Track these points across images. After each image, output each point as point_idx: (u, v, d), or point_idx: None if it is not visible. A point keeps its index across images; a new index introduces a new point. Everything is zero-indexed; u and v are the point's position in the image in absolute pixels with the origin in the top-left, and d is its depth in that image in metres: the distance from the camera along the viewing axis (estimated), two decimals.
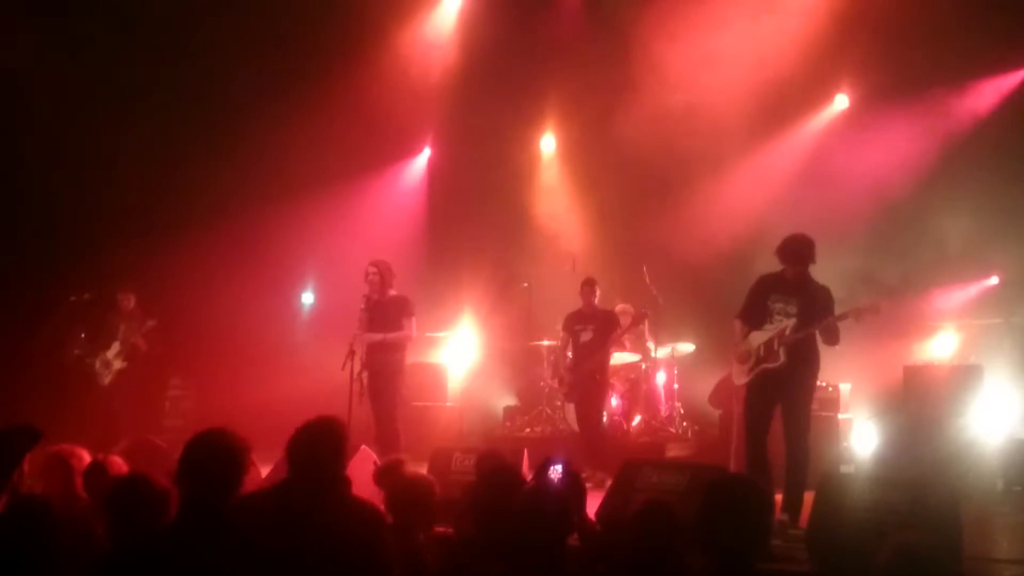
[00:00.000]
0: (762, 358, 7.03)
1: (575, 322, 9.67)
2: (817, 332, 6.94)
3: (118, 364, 10.89)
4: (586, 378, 9.50)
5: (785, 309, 7.02)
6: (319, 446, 4.22)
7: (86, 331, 11.16)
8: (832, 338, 6.97)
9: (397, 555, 4.30)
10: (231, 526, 3.66)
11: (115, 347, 10.91)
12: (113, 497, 4.16)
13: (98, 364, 10.90)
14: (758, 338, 7.11)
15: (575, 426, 9.71)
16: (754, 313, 7.20)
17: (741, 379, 7.27)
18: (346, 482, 4.28)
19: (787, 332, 6.93)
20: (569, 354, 9.84)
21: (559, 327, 10.05)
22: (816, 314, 6.93)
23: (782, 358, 6.93)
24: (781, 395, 7.03)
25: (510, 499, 4.17)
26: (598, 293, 9.64)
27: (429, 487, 4.85)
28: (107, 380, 10.89)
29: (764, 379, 7.05)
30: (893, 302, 9.11)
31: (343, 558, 3.94)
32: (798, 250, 6.99)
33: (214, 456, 3.72)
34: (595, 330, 9.51)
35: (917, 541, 3.67)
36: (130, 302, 11.01)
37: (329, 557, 3.91)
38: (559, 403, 10.52)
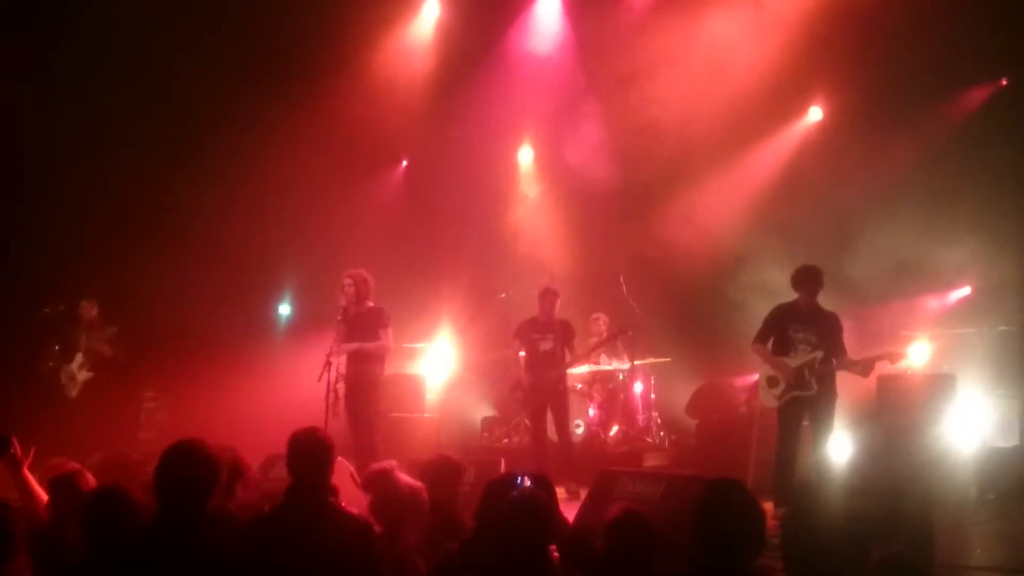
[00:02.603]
0: (793, 385, 7.78)
1: (531, 331, 9.57)
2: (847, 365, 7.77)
3: (83, 375, 10.64)
4: (550, 388, 9.41)
5: (807, 339, 7.83)
6: (316, 458, 4.29)
7: (59, 343, 11.04)
8: (867, 372, 7.89)
9: (386, 563, 4.32)
10: (206, 537, 3.66)
11: (79, 358, 10.65)
12: (89, 510, 4.15)
13: (63, 377, 10.63)
14: (786, 365, 7.83)
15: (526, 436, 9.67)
16: (776, 341, 7.95)
17: (771, 403, 8.02)
18: (335, 493, 4.34)
19: (817, 364, 7.71)
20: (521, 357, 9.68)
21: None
22: (832, 341, 7.76)
23: (814, 387, 7.71)
24: (810, 416, 7.83)
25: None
26: (558, 304, 9.58)
27: (419, 493, 4.86)
28: (74, 392, 10.63)
29: (795, 405, 7.82)
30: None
31: (336, 570, 3.97)
32: (810, 278, 7.85)
33: (188, 467, 3.73)
34: (555, 340, 9.44)
35: (902, 555, 3.70)
36: (92, 311, 10.76)
37: (323, 570, 3.93)
38: None
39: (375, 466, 5.06)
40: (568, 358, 9.58)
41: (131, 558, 3.68)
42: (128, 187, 11.58)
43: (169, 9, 11.07)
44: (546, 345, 9.46)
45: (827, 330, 7.81)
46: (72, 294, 10.88)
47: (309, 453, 4.31)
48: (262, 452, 6.75)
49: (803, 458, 9.17)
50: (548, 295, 9.54)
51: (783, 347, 7.91)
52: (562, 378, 9.53)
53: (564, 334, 9.53)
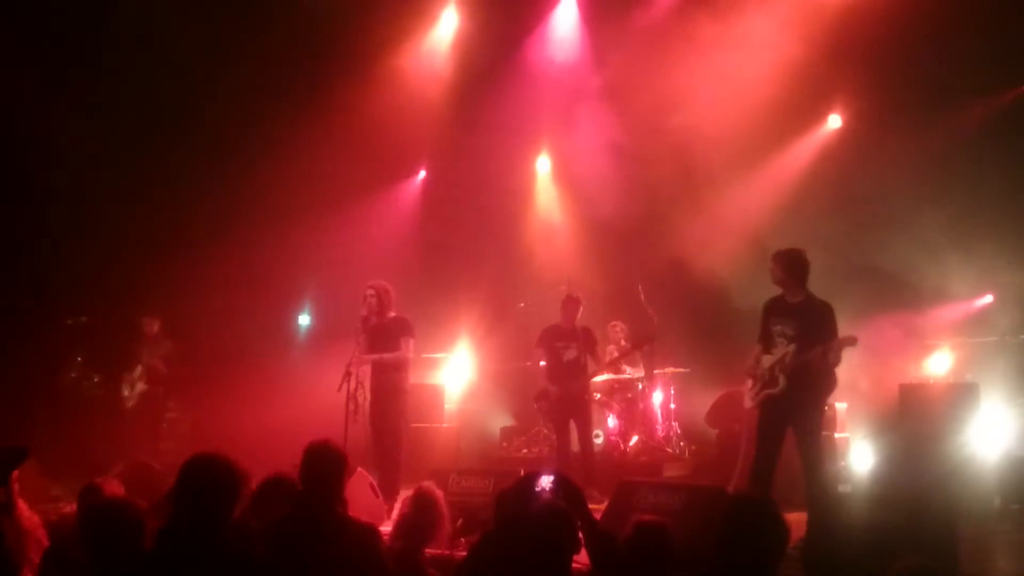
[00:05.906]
0: (766, 383, 7.27)
1: (555, 339, 9.45)
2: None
3: (140, 387, 11.18)
4: (576, 399, 9.34)
5: (784, 332, 7.24)
6: (327, 467, 4.36)
7: (83, 355, 11.16)
8: (834, 361, 7.11)
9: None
10: (224, 550, 3.64)
11: (139, 370, 11.20)
12: (87, 523, 4.14)
13: (125, 389, 11.22)
14: (766, 362, 7.35)
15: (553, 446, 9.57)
16: (763, 338, 7.43)
17: (748, 402, 7.53)
18: (344, 503, 4.35)
19: (787, 359, 7.14)
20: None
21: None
22: (814, 334, 7.07)
23: (781, 384, 7.14)
24: (788, 420, 7.22)
25: None
26: (581, 311, 9.50)
27: (435, 505, 4.90)
28: (131, 403, 11.20)
29: (767, 404, 7.28)
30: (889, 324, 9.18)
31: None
32: (787, 264, 7.22)
33: (208, 481, 3.71)
34: (578, 348, 9.36)
35: (926, 566, 3.68)
36: (154, 326, 11.31)
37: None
38: None
39: (422, 487, 5.13)
40: (592, 367, 9.50)
41: (140, 573, 3.67)
42: (150, 200, 11.67)
43: (196, 25, 11.15)
44: (570, 354, 9.36)
45: (808, 321, 7.08)
46: (90, 306, 11.02)
47: (322, 464, 4.37)
48: (281, 461, 6.77)
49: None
50: (571, 302, 9.44)
51: (766, 343, 7.33)
52: (587, 389, 9.47)
53: (587, 342, 9.45)
